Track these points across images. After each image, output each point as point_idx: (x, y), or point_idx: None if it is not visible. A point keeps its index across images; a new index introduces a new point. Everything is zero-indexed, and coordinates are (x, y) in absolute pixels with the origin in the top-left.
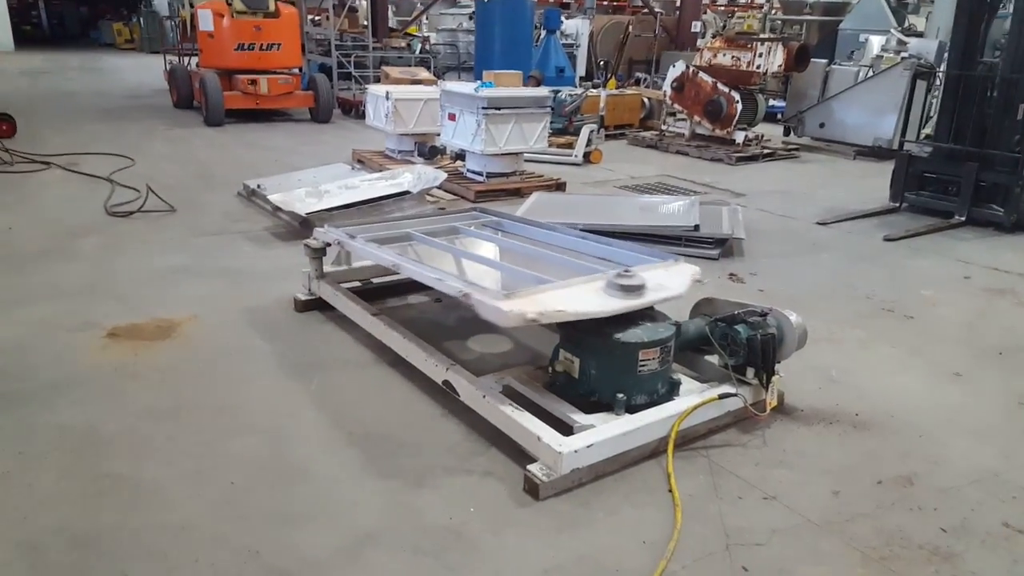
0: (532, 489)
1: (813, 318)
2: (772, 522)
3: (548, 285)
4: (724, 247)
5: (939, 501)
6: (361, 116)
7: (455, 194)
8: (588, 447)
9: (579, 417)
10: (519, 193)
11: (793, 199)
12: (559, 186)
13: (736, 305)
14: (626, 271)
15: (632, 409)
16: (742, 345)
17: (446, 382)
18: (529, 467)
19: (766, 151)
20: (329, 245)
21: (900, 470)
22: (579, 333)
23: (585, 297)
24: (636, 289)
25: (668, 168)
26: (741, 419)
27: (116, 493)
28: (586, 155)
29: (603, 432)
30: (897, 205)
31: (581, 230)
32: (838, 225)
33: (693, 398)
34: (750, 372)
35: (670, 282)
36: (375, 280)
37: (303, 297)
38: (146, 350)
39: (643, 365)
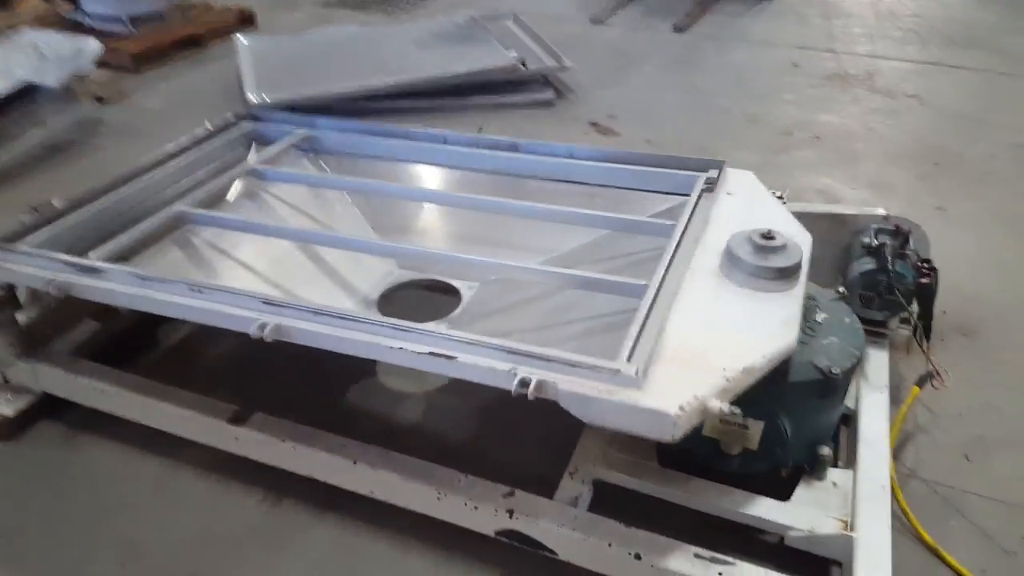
0: None
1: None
2: None
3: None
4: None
5: None
6: None
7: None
8: None
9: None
10: (199, 43)
11: None
12: (246, 19)
13: (853, 221)
14: (758, 234)
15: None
16: (907, 293)
17: (510, 532)
18: None
19: None
20: (12, 289)
21: None
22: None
23: (737, 311)
24: (787, 268)
25: None
26: None
27: None
28: None
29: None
30: None
31: (363, 98)
32: (612, 20)
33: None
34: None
35: (768, 211)
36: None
37: (7, 411)
38: None
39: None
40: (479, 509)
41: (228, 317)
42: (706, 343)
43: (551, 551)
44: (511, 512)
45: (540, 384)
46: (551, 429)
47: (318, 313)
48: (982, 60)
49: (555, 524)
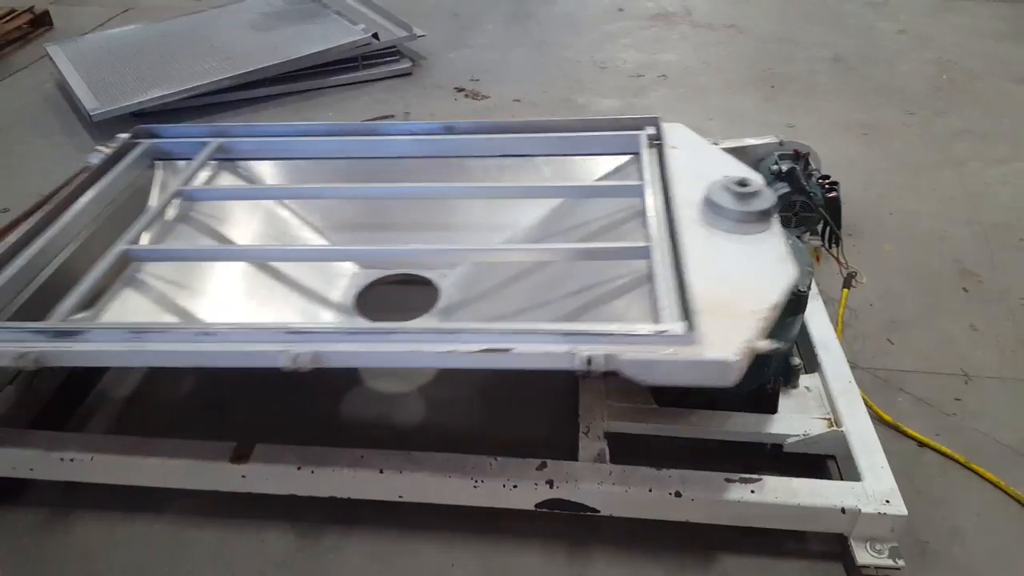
0: None
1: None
2: None
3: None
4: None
5: None
6: None
7: None
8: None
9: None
10: None
11: None
12: (40, 20)
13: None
14: (733, 182)
15: None
16: (816, 209)
17: (552, 501)
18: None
19: None
20: None
21: None
22: None
23: (734, 254)
24: (766, 210)
25: None
26: None
27: None
28: None
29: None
30: None
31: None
32: None
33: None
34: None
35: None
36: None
37: None
38: None
39: None
40: (518, 487)
41: (253, 356)
42: (727, 290)
43: (593, 510)
44: (551, 482)
45: (605, 359)
46: (535, 398)
47: (352, 333)
48: None
49: (594, 483)
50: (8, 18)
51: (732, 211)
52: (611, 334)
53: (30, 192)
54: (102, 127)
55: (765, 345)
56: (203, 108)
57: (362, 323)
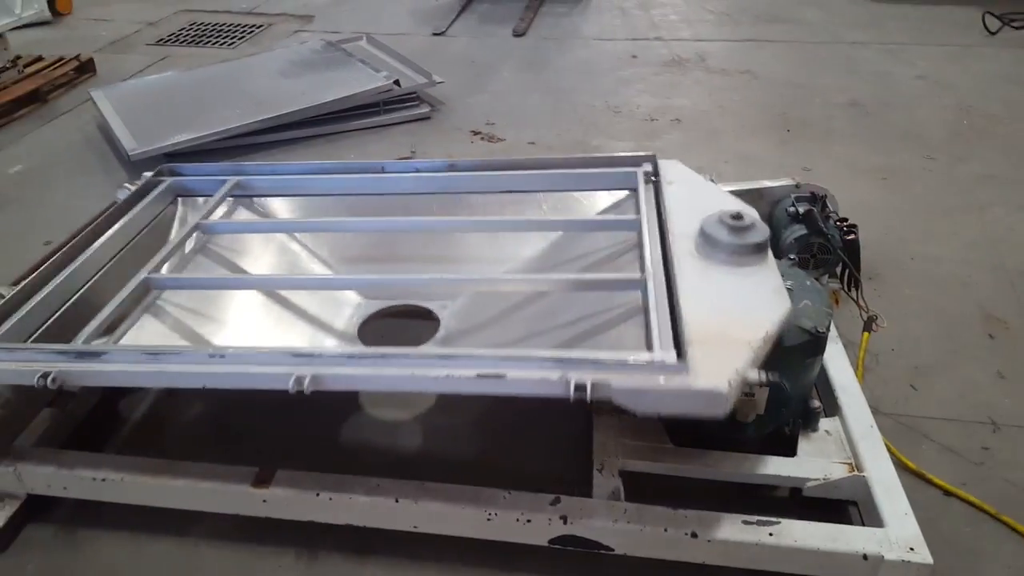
0: None
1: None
2: None
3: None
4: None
5: None
6: None
7: None
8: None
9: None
10: (40, 98)
11: (364, 11)
12: (85, 67)
13: (769, 193)
14: (728, 216)
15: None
16: (834, 252)
17: (565, 538)
18: None
19: None
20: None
21: None
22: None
23: (729, 286)
24: (760, 244)
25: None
26: None
27: None
28: (49, 4)
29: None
30: None
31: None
32: (452, 31)
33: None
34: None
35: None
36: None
37: None
38: None
39: None
40: (532, 522)
41: (259, 377)
42: (720, 321)
43: (607, 548)
44: (565, 518)
45: (595, 386)
46: (541, 429)
47: (352, 357)
48: (789, 32)
49: (609, 521)
50: (56, 65)
51: (727, 244)
52: (603, 362)
53: (71, 226)
54: (138, 166)
55: (756, 376)
56: (233, 149)
57: (362, 348)
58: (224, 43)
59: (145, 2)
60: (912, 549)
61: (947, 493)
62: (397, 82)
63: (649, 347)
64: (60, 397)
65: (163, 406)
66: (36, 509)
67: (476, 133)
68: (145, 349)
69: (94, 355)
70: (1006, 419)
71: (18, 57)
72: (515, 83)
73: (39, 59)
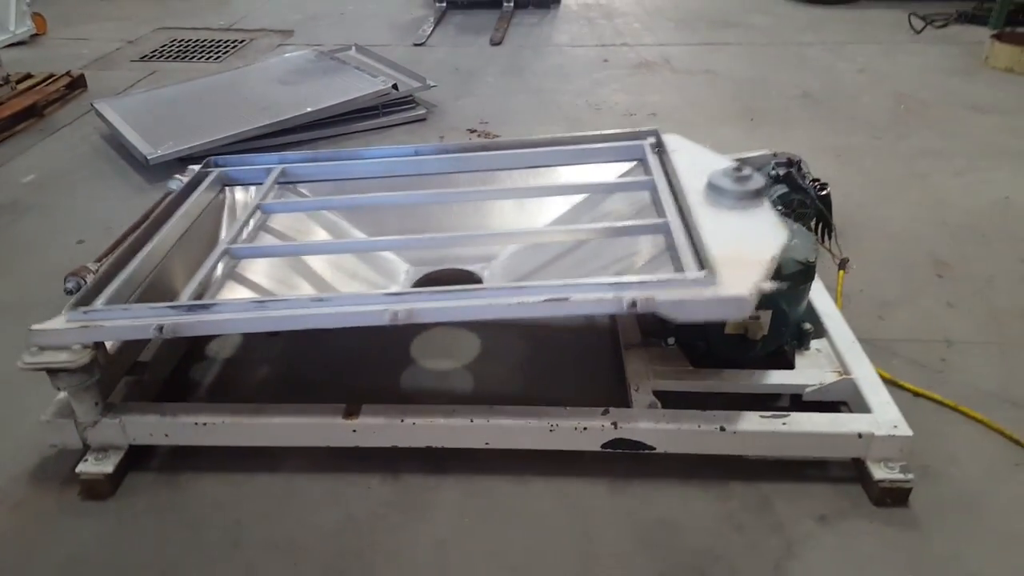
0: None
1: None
2: None
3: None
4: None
5: None
6: None
7: None
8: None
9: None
10: (37, 113)
11: (342, 25)
12: (77, 83)
13: (751, 161)
14: (730, 170)
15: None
16: (813, 204)
17: (615, 441)
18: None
19: None
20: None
21: None
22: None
23: (736, 224)
24: (759, 189)
25: (143, 21)
26: None
27: None
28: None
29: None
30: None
31: (250, 139)
32: (431, 42)
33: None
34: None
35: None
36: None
37: (95, 469)
38: None
39: None
40: (588, 429)
41: (360, 315)
42: (734, 248)
43: (650, 447)
44: (615, 424)
45: (644, 301)
46: (576, 371)
47: (438, 292)
48: (742, 35)
49: (652, 423)
50: (48, 82)
51: (732, 191)
52: (647, 282)
53: (101, 226)
54: (153, 170)
55: (769, 285)
56: (244, 152)
57: (442, 287)
58: (210, 57)
59: (118, 22)
60: (896, 427)
61: (916, 395)
62: (395, 85)
63: (680, 272)
64: (137, 366)
65: (230, 374)
66: (133, 460)
67: (472, 131)
68: (252, 299)
69: (204, 307)
70: (957, 337)
71: (8, 75)
72: (500, 87)
73: (28, 76)
